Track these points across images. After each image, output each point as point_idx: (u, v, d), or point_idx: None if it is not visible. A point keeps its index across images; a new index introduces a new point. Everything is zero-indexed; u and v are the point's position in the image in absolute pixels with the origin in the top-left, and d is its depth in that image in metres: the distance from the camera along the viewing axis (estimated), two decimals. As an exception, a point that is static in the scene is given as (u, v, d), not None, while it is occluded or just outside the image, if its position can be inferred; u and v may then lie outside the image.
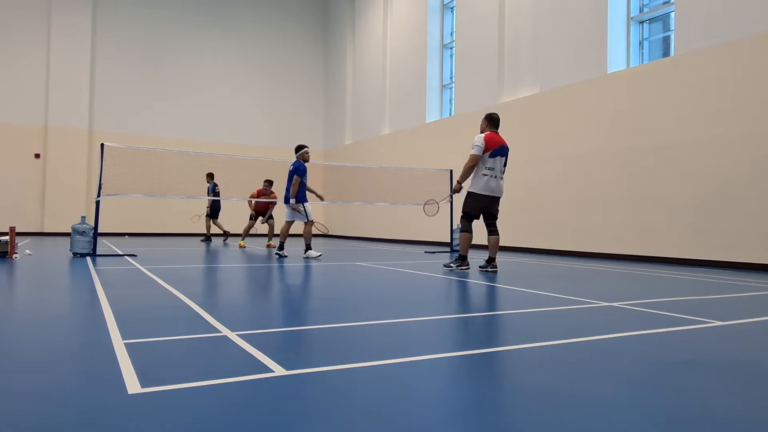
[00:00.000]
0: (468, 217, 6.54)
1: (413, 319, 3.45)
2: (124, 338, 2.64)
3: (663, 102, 8.65)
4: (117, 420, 1.60)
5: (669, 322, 3.36)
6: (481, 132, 6.59)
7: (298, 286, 5.25)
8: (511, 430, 1.60)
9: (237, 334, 2.76)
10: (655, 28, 9.73)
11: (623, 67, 9.65)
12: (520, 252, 10.90)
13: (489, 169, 6.37)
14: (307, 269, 6.93)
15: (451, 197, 7.65)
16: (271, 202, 11.95)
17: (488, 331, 3.20)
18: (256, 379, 2.03)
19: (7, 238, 7.11)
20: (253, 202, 12.21)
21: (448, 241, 10.90)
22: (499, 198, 6.56)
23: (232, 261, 7.86)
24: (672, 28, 9.12)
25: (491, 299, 4.35)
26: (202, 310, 3.50)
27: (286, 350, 2.55)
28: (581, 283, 5.72)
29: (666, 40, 9.49)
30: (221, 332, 2.82)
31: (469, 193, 6.54)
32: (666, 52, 9.41)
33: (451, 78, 14.48)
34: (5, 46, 15.73)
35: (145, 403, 1.74)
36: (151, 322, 3.17)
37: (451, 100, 14.33)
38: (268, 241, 12.06)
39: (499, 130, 6.67)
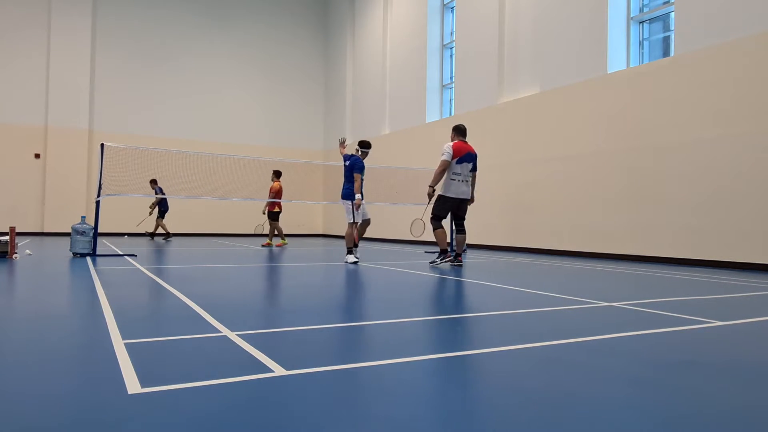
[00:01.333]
0: (438, 218, 7.25)
1: (413, 319, 3.45)
2: (124, 338, 2.64)
3: (663, 102, 8.65)
4: (117, 420, 1.60)
5: (669, 322, 3.36)
6: (451, 141, 7.31)
7: (298, 286, 5.25)
8: (510, 430, 1.60)
9: (237, 334, 2.76)
10: (655, 28, 9.73)
11: (623, 67, 9.65)
12: (520, 252, 10.90)
13: (456, 174, 7.09)
14: (308, 270, 6.93)
15: (429, 203, 7.69)
16: (277, 202, 11.92)
17: (488, 330, 3.20)
18: (256, 379, 2.03)
19: (7, 238, 7.11)
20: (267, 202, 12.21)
21: (448, 241, 10.89)
22: (466, 200, 7.29)
23: (232, 261, 7.86)
24: (672, 28, 9.12)
25: (491, 299, 4.35)
26: (202, 310, 3.50)
27: (286, 350, 2.55)
28: (581, 282, 5.72)
29: (666, 40, 9.49)
30: (221, 332, 2.82)
31: (440, 196, 7.22)
32: (666, 52, 9.40)
33: (451, 78, 14.48)
34: (5, 46, 15.72)
35: (145, 403, 1.74)
36: (151, 322, 3.17)
37: (451, 100, 14.33)
38: (269, 240, 12.14)
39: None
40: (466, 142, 7.25)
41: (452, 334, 3.08)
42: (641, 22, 9.77)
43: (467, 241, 11.05)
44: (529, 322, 3.41)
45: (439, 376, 2.18)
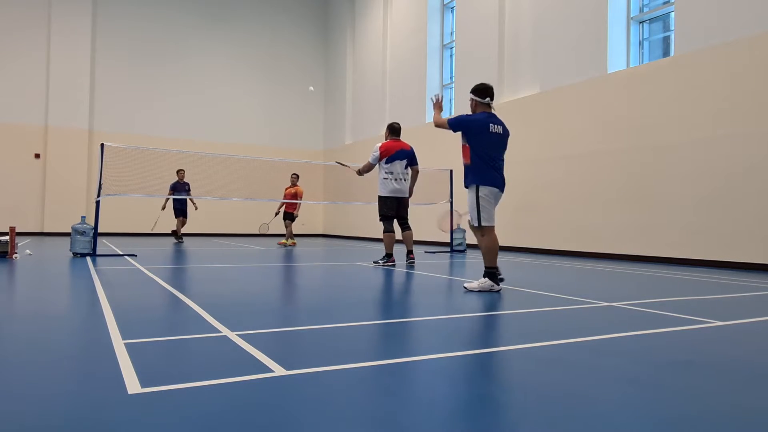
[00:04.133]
0: (386, 218, 7.24)
1: (414, 319, 3.45)
2: (124, 338, 2.64)
3: (663, 102, 8.65)
4: (117, 420, 1.60)
5: (669, 322, 3.36)
6: (385, 140, 7.41)
7: (298, 287, 5.26)
8: (510, 430, 1.60)
9: (237, 334, 2.76)
10: (655, 28, 9.73)
11: (623, 67, 9.65)
12: (521, 252, 10.90)
13: (388, 173, 7.16)
14: (307, 270, 6.94)
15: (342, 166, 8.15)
16: (295, 204, 12.28)
17: (488, 330, 3.20)
18: (256, 379, 2.03)
19: (7, 238, 7.11)
20: (284, 203, 12.50)
21: (448, 241, 10.90)
22: (405, 198, 7.31)
23: (232, 261, 7.86)
24: (672, 28, 9.12)
25: (491, 299, 4.34)
26: (202, 310, 3.50)
27: (286, 350, 2.55)
28: (581, 282, 5.72)
29: (666, 40, 9.49)
30: (221, 332, 2.82)
31: (379, 197, 7.25)
32: (666, 52, 9.40)
33: (451, 78, 14.48)
34: (5, 46, 15.72)
35: (145, 403, 1.74)
36: (151, 322, 3.17)
37: (451, 100, 14.32)
38: (292, 239, 12.54)
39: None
40: (399, 140, 7.37)
41: (452, 334, 3.08)
42: (641, 22, 9.77)
43: (468, 242, 11.07)
44: (529, 322, 3.41)
45: (440, 376, 2.18)
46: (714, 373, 2.26)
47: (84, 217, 8.13)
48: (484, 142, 4.70)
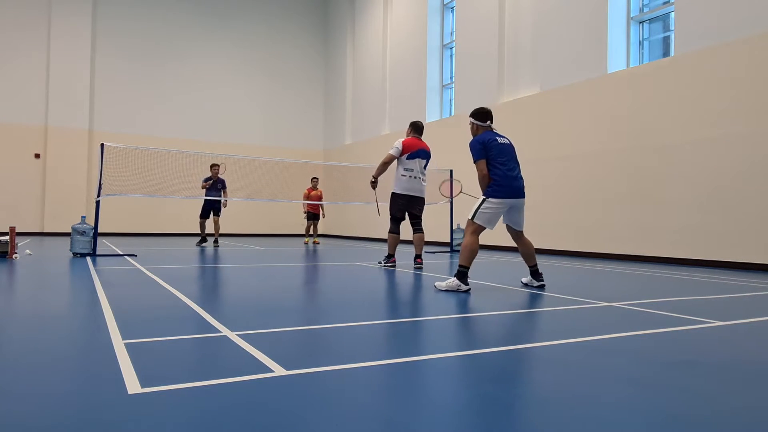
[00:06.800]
0: (395, 219, 6.99)
1: (414, 319, 3.45)
2: (124, 338, 2.64)
3: (663, 102, 8.65)
4: (117, 420, 1.60)
5: (669, 322, 3.36)
6: (407, 136, 7.21)
7: (298, 287, 5.25)
8: (510, 430, 1.60)
9: (237, 334, 2.76)
10: (655, 28, 9.73)
11: (623, 67, 9.65)
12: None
13: (407, 170, 6.94)
14: (307, 270, 6.93)
15: (375, 195, 7.49)
16: (319, 205, 13.34)
17: (489, 331, 3.20)
18: (256, 379, 2.03)
19: (7, 238, 7.11)
20: (306, 204, 13.35)
21: (449, 241, 10.90)
22: (420, 197, 7.04)
23: (231, 261, 7.86)
24: (672, 28, 9.12)
25: (491, 300, 4.35)
26: (202, 310, 3.50)
27: (286, 350, 2.55)
28: (581, 282, 5.72)
29: (666, 40, 9.49)
30: (221, 332, 2.82)
31: (392, 194, 7.04)
32: (666, 52, 9.41)
33: (451, 78, 14.48)
34: (5, 46, 15.72)
35: (145, 403, 1.74)
36: (151, 322, 3.16)
37: (451, 100, 14.33)
38: (314, 238, 13.71)
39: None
40: (420, 139, 7.15)
41: (452, 334, 3.08)
42: (641, 22, 9.77)
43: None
44: (529, 322, 3.41)
45: (440, 377, 2.18)
46: (714, 373, 2.26)
47: (84, 217, 8.13)
48: (495, 154, 4.86)
